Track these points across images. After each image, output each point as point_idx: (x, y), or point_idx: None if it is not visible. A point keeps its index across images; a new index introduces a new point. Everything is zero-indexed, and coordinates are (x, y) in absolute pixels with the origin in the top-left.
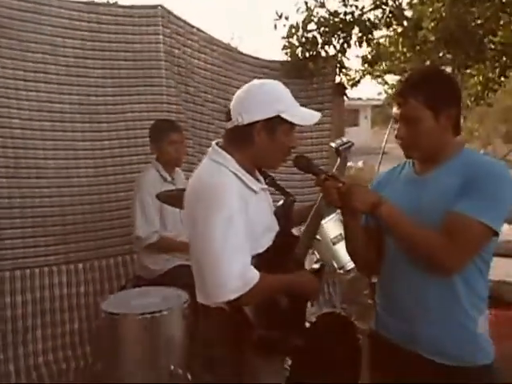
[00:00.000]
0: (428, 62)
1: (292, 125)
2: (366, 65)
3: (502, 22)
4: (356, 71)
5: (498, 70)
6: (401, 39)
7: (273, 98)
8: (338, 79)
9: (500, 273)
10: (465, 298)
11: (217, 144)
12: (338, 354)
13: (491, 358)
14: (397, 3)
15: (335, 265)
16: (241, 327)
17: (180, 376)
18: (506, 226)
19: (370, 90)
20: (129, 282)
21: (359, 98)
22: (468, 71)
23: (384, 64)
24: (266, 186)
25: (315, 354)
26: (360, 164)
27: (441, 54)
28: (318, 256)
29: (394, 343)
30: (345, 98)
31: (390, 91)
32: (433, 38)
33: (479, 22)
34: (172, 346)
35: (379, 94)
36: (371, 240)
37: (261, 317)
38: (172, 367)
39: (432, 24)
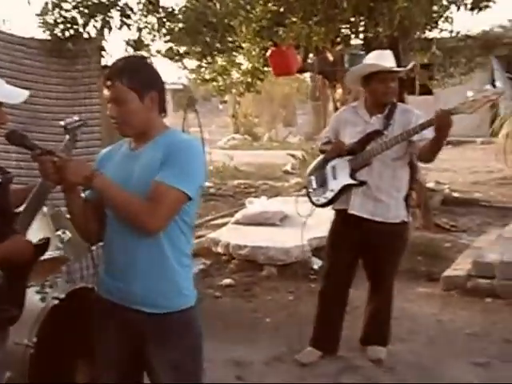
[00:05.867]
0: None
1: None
2: (130, 48)
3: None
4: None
5: (261, 61)
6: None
7: None
8: (104, 62)
9: None
10: (170, 255)
11: None
12: (85, 327)
13: (192, 303)
14: None
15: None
16: None
17: None
18: None
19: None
20: None
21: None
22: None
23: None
24: None
25: (62, 329)
26: None
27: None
28: (69, 235)
29: (115, 302)
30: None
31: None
32: (177, 28)
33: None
34: None
35: (179, 78)
36: (92, 211)
37: None
38: None
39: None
